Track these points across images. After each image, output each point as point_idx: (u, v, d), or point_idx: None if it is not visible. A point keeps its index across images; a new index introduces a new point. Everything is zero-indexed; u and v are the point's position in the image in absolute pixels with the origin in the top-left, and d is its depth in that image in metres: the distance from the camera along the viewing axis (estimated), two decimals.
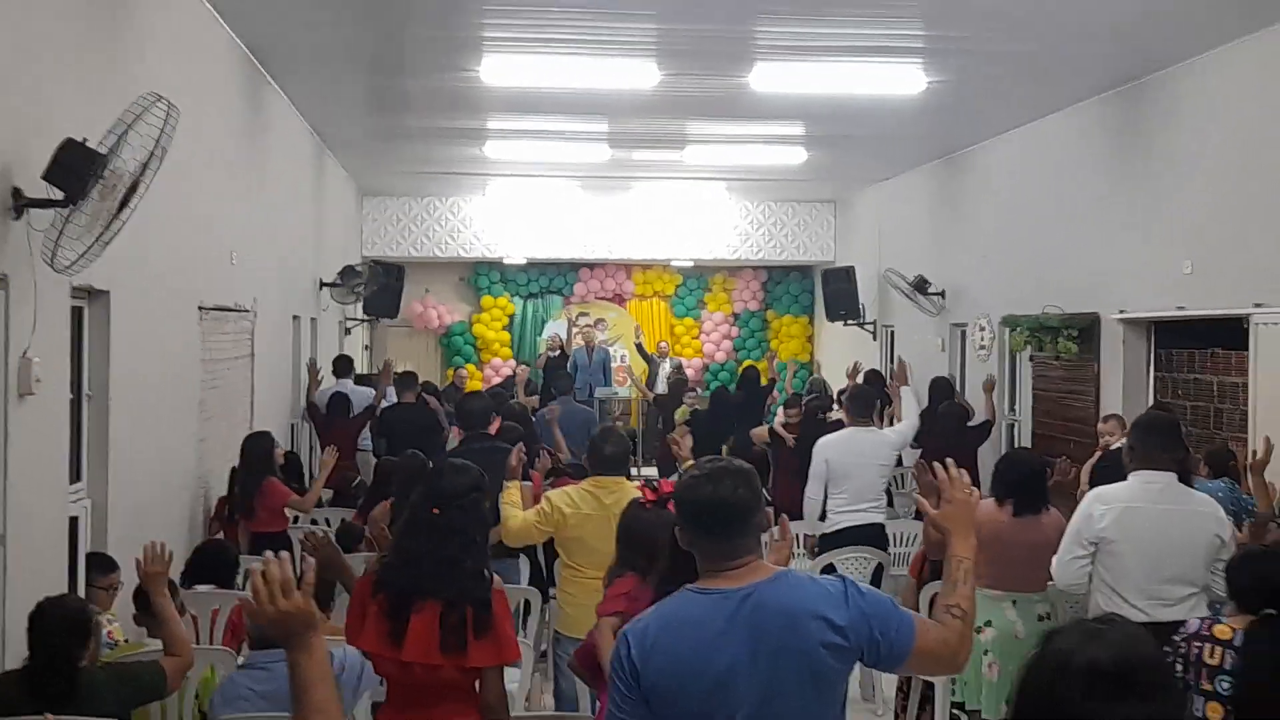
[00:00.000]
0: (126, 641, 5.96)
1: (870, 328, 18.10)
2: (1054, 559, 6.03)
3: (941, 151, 15.21)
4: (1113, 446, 8.80)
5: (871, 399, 9.76)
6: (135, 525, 6.92)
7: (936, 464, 3.76)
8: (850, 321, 18.04)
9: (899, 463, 11.65)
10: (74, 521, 6.34)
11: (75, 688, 4.64)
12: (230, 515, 8.91)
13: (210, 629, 6.58)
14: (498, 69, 10.54)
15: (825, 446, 8.92)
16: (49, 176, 5.24)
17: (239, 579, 7.13)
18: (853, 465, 8.76)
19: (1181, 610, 5.65)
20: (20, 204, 5.24)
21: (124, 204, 5.46)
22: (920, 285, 15.30)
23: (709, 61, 10.50)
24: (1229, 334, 9.25)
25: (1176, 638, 4.94)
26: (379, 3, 8.68)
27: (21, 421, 5.39)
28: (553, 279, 22.12)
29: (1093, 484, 7.33)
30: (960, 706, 6.54)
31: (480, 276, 21.98)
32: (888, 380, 13.43)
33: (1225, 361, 9.54)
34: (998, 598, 6.39)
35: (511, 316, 22.06)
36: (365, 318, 18.20)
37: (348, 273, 15.31)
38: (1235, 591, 5.06)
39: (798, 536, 8.89)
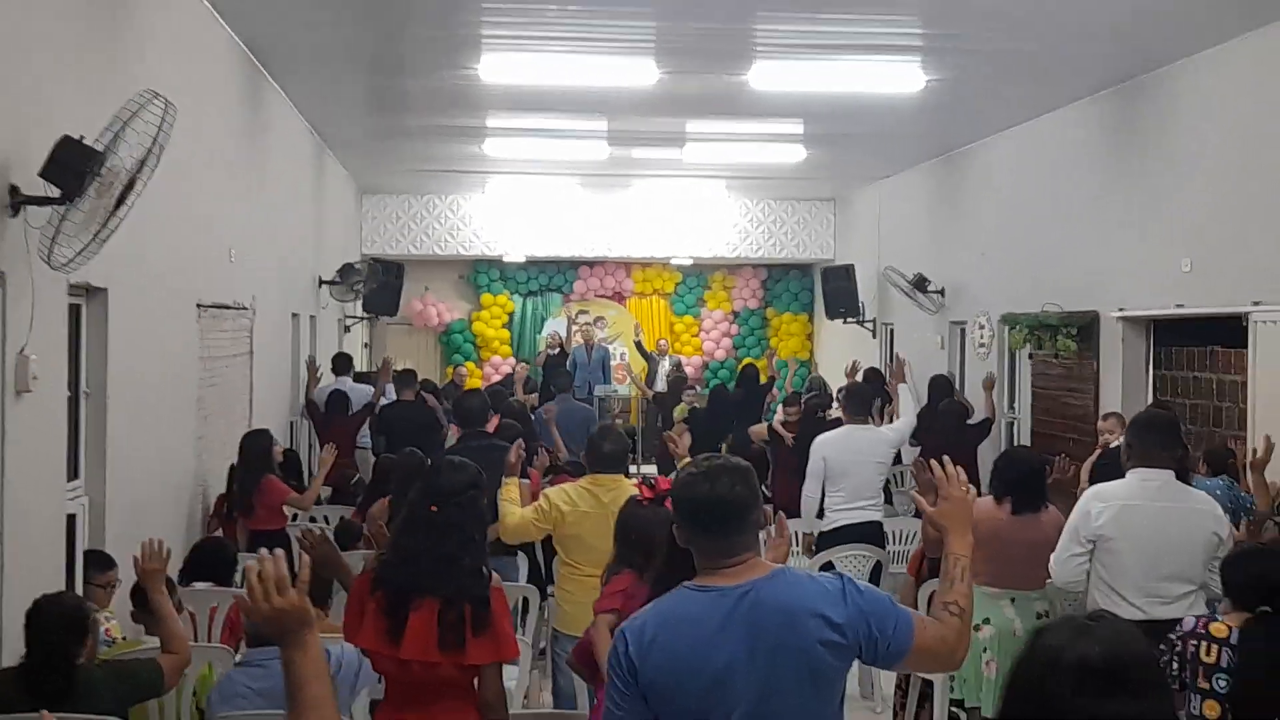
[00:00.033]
0: (124, 639, 5.95)
1: (870, 326, 18.10)
2: (1052, 557, 6.03)
3: (941, 149, 15.21)
4: (1112, 445, 8.79)
5: (868, 397, 9.77)
6: (133, 523, 6.92)
7: (933, 461, 3.76)
8: (850, 319, 18.03)
9: (898, 460, 11.66)
10: (72, 519, 6.34)
11: (72, 685, 4.64)
12: (229, 513, 8.91)
13: (208, 626, 6.58)
14: (497, 67, 10.54)
15: (823, 444, 8.92)
16: (46, 174, 5.24)
17: (237, 577, 7.12)
18: (850, 463, 8.77)
19: (1180, 608, 5.65)
20: (17, 201, 5.24)
21: (121, 201, 5.45)
22: (920, 283, 15.30)
23: (708, 59, 10.49)
24: (1228, 332, 9.25)
25: (1172, 636, 4.94)
26: (378, 1, 8.67)
27: (19, 419, 5.38)
28: (552, 277, 22.11)
29: (1092, 482, 7.33)
30: (959, 704, 6.55)
31: (480, 274, 21.97)
32: (887, 378, 13.42)
33: (1224, 360, 9.54)
34: (996, 595, 6.39)
35: (511, 314, 22.06)
36: (365, 315, 18.20)
37: (347, 270, 15.31)
38: (1231, 589, 5.06)
39: (795, 535, 8.89)
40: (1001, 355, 13.50)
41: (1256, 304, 8.67)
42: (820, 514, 8.90)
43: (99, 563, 6.31)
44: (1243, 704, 4.68)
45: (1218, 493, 7.02)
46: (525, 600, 7.41)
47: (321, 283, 14.85)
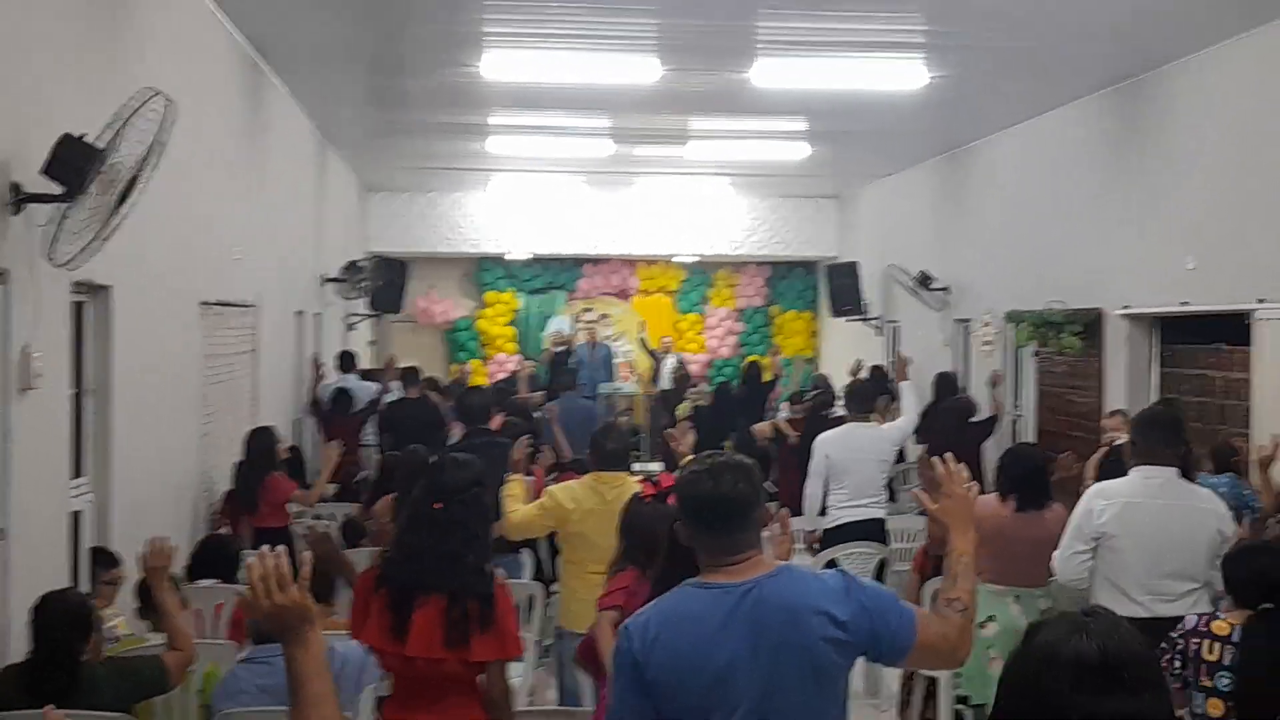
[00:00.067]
0: (130, 636, 5.96)
1: (874, 323, 18.09)
2: (1055, 554, 6.03)
3: (944, 147, 15.20)
4: (1117, 442, 8.79)
5: (870, 394, 9.78)
6: (138, 520, 6.93)
7: (935, 459, 3.76)
8: (854, 317, 18.03)
9: (903, 458, 11.66)
10: (76, 516, 6.36)
11: (77, 682, 4.65)
12: (235, 510, 8.93)
13: (213, 623, 6.58)
14: (498, 64, 10.54)
15: (825, 442, 8.92)
16: (48, 171, 5.24)
17: (241, 573, 7.12)
18: (852, 461, 8.77)
19: (1183, 605, 5.64)
20: (19, 199, 5.25)
21: (123, 199, 5.46)
22: (924, 280, 15.29)
23: (711, 56, 10.49)
24: (1233, 329, 9.23)
25: (1174, 634, 4.93)
26: None
27: (22, 416, 5.39)
28: (557, 274, 22.10)
29: (1098, 479, 7.32)
30: (964, 701, 6.54)
31: (484, 272, 21.97)
32: (890, 376, 13.42)
33: (1229, 357, 9.52)
34: (1001, 593, 6.38)
35: (516, 312, 22.06)
36: (370, 313, 18.21)
37: (351, 268, 15.32)
38: (1233, 586, 5.05)
39: (797, 532, 8.89)
40: (1006, 353, 13.49)
41: (1261, 301, 8.66)
42: (823, 511, 8.90)
43: (104, 560, 6.33)
44: (1245, 701, 4.67)
45: (1222, 490, 7.00)
46: (530, 597, 7.42)
47: (325, 280, 14.86)
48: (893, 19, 9.14)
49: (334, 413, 12.52)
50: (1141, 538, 5.82)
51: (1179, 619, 5.13)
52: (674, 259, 21.75)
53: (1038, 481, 6.56)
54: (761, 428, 12.42)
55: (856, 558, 8.53)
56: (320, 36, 10.03)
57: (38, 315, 5.46)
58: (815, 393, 13.68)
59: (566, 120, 13.50)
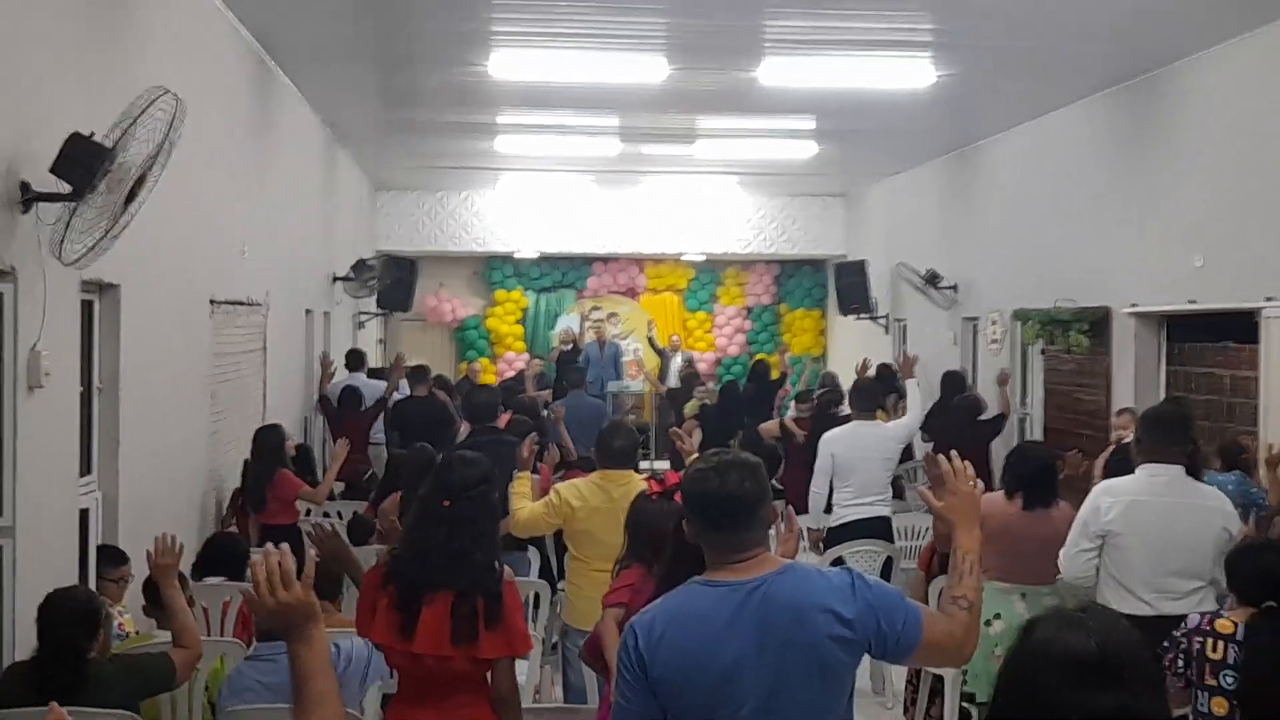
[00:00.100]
0: (137, 633, 5.98)
1: (882, 322, 18.08)
2: (1061, 552, 6.02)
3: (952, 145, 15.18)
4: (1125, 440, 8.77)
5: (875, 392, 9.77)
6: (146, 518, 6.95)
7: (941, 456, 3.76)
8: (862, 315, 18.01)
9: (910, 456, 11.65)
10: (85, 514, 6.37)
11: (84, 679, 4.67)
12: (243, 507, 8.95)
13: (220, 621, 6.60)
14: (506, 64, 10.55)
15: (830, 440, 8.93)
16: (56, 170, 5.25)
17: (249, 571, 7.13)
18: (858, 459, 8.77)
19: (1189, 604, 5.64)
20: (28, 198, 5.26)
21: (131, 197, 5.47)
22: (932, 279, 15.28)
23: (718, 56, 10.49)
24: (1241, 328, 9.22)
25: (1177, 633, 4.92)
26: None
27: (31, 414, 5.41)
28: (565, 273, 22.11)
29: (1106, 478, 7.31)
30: (970, 698, 6.54)
31: (493, 270, 21.99)
32: (898, 374, 13.40)
33: (1237, 355, 9.51)
34: (1007, 590, 6.39)
35: (525, 310, 22.07)
36: (379, 311, 18.23)
37: (360, 267, 15.34)
38: (1237, 584, 5.04)
39: (802, 530, 8.88)
40: (1014, 351, 13.48)
41: (1269, 299, 8.65)
42: (828, 509, 8.91)
43: (112, 558, 6.34)
44: (1250, 699, 4.66)
45: (1229, 488, 7.00)
46: (536, 595, 7.43)
47: (335, 279, 14.88)
48: (899, 17, 9.13)
49: (342, 411, 12.54)
50: (1147, 536, 5.81)
51: (1184, 617, 5.13)
52: (682, 257, 21.75)
53: (1045, 479, 6.55)
54: (768, 426, 12.42)
55: (863, 556, 8.53)
56: (328, 35, 10.04)
57: (46, 314, 5.47)
58: (823, 391, 13.67)
59: (575, 119, 13.50)
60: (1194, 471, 6.07)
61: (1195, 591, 5.77)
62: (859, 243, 20.01)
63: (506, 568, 4.60)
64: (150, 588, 5.74)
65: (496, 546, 4.59)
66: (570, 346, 18.82)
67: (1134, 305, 10.70)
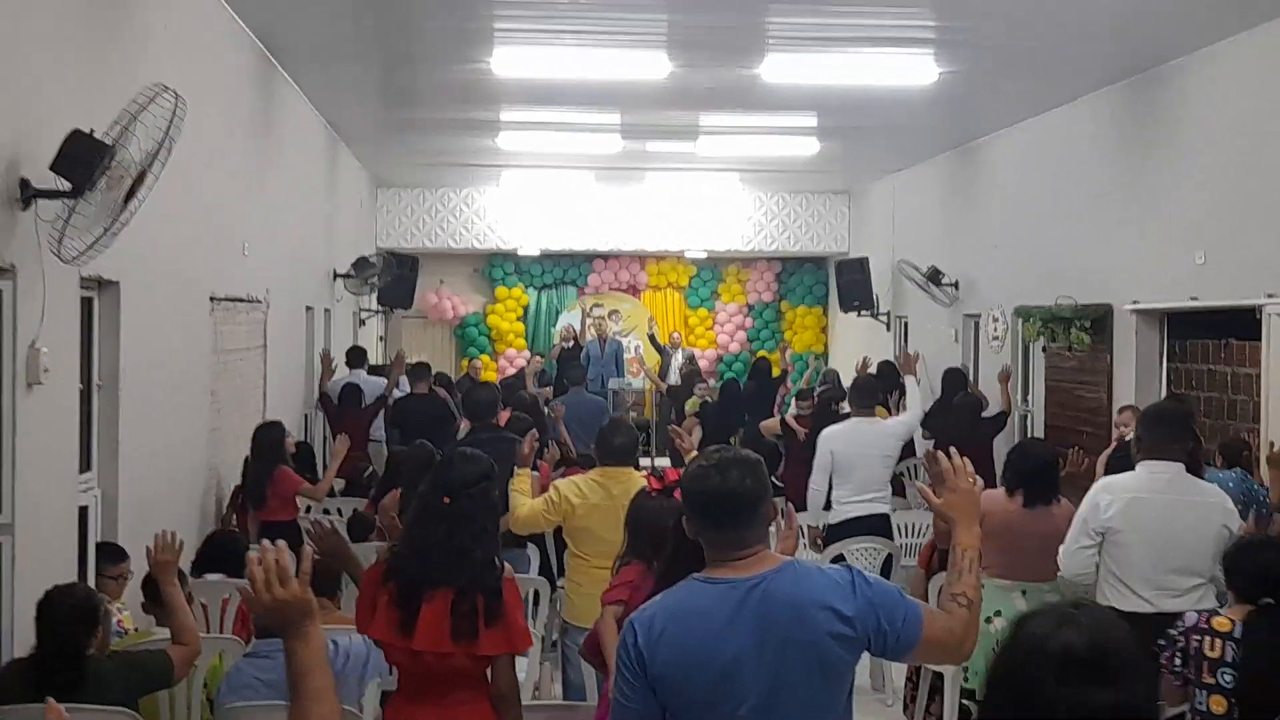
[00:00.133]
0: (136, 630, 5.98)
1: (884, 319, 18.07)
2: (1060, 549, 6.02)
3: (954, 142, 15.17)
4: (1127, 438, 8.77)
5: (874, 389, 9.77)
6: (145, 515, 6.95)
7: (940, 453, 3.75)
8: (864, 313, 18.00)
9: (912, 453, 11.64)
10: (84, 511, 6.37)
11: (83, 676, 4.67)
12: (243, 504, 8.95)
13: (220, 618, 6.60)
14: (509, 61, 10.55)
15: (830, 438, 8.92)
16: (56, 167, 5.25)
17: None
18: (857, 456, 8.77)
19: (1188, 601, 5.64)
20: (28, 195, 5.26)
21: (131, 195, 5.46)
22: (934, 276, 15.27)
23: (720, 52, 10.49)
24: (1243, 324, 9.21)
25: (1173, 631, 4.91)
26: None
27: (30, 411, 5.40)
28: (567, 270, 22.10)
29: (1108, 475, 7.31)
30: (970, 695, 6.53)
31: (494, 268, 21.98)
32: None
33: (1239, 352, 9.50)
34: (1008, 588, 6.38)
35: (526, 307, 22.06)
36: (380, 309, 18.22)
37: (362, 264, 15.34)
38: (1237, 581, 5.02)
39: (801, 528, 8.88)
40: (1015, 348, 13.47)
41: (1270, 296, 8.63)
42: (828, 506, 8.90)
43: (111, 555, 6.34)
44: (1248, 697, 4.65)
45: (1230, 485, 7.01)
46: (536, 592, 7.43)
47: (336, 276, 14.88)
48: (902, 14, 9.13)
49: (343, 408, 12.54)
50: (1147, 533, 5.81)
51: (1181, 615, 5.12)
52: (684, 254, 21.74)
53: (1046, 477, 6.55)
54: (770, 424, 12.41)
55: (863, 553, 8.53)
56: (331, 32, 10.04)
57: (46, 311, 5.47)
58: (825, 387, 13.66)
59: (577, 116, 13.50)
60: (1194, 469, 6.07)
61: (1195, 589, 5.76)
62: (861, 240, 20.00)
63: (507, 565, 4.60)
64: (149, 585, 5.74)
65: (497, 544, 4.59)
66: (571, 343, 18.81)
67: (1135, 302, 10.69)
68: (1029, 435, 12.88)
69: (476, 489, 4.54)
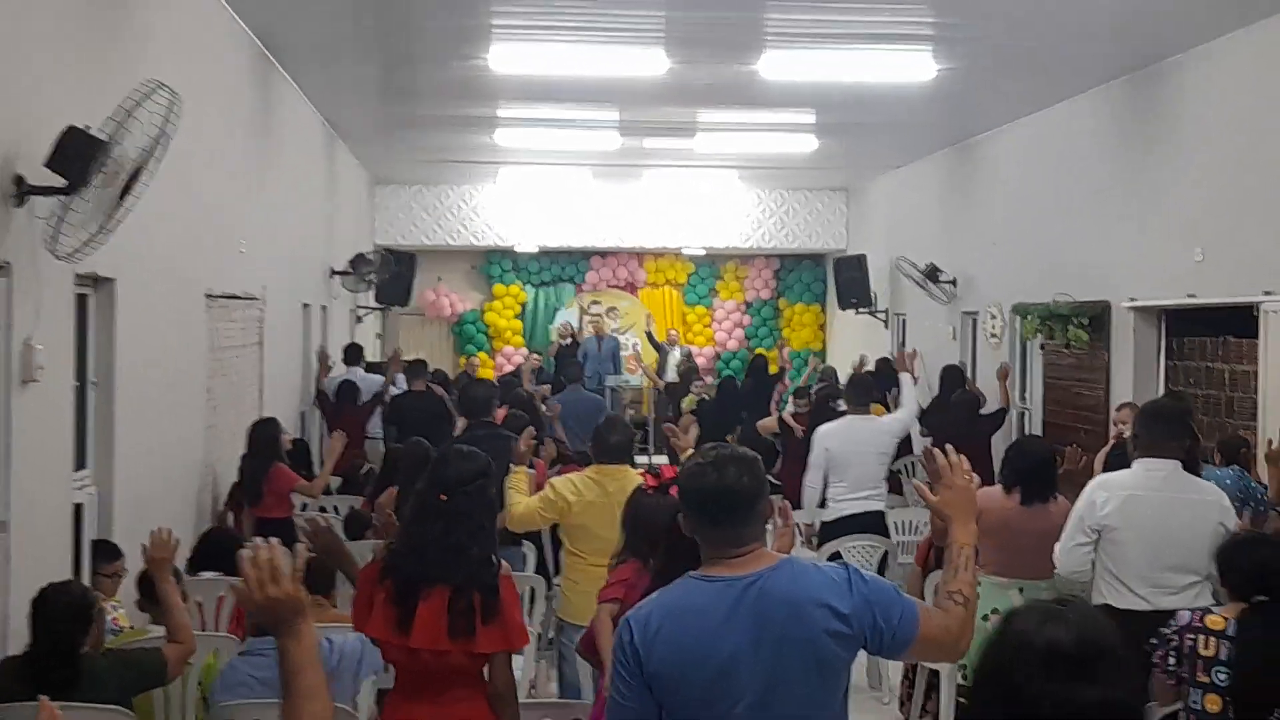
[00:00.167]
0: (131, 628, 5.96)
1: (882, 316, 18.06)
2: (1057, 546, 6.01)
3: (952, 139, 15.16)
4: (1126, 435, 8.76)
5: (870, 387, 9.77)
6: (141, 513, 6.94)
7: (937, 450, 3.75)
8: (862, 310, 17.99)
9: (908, 450, 11.63)
10: (79, 509, 6.36)
11: (77, 674, 4.66)
12: (239, 501, 8.94)
13: (215, 616, 6.59)
14: (506, 57, 10.54)
15: (825, 435, 8.92)
16: (51, 164, 5.24)
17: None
18: (852, 454, 8.77)
19: (1185, 599, 5.62)
20: (23, 191, 5.24)
21: (127, 191, 5.45)
22: (932, 273, 15.26)
23: (718, 49, 10.47)
24: (1241, 322, 9.20)
25: (1166, 630, 4.87)
26: None
27: (24, 409, 5.40)
28: (564, 267, 22.09)
29: (1107, 472, 7.30)
30: (967, 692, 6.52)
31: (492, 265, 21.97)
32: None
33: (1237, 350, 9.49)
34: (1004, 585, 6.37)
35: (524, 305, 22.05)
36: (377, 306, 18.22)
37: (359, 261, 15.33)
38: (1231, 577, 4.98)
39: (797, 525, 8.88)
40: (1013, 346, 13.46)
41: (1268, 294, 8.63)
42: (823, 504, 8.90)
43: (106, 552, 6.33)
44: (1242, 695, 4.63)
45: (1228, 482, 6.99)
46: (531, 590, 7.42)
47: (333, 273, 14.86)
48: (899, 11, 9.12)
49: (339, 405, 12.54)
50: (1143, 530, 5.80)
51: (1175, 613, 5.10)
52: (682, 252, 21.73)
53: (1044, 474, 6.53)
54: (768, 423, 12.40)
55: (859, 550, 8.52)
56: (328, 29, 10.03)
57: (40, 308, 5.46)
58: (822, 385, 13.66)
59: (574, 113, 13.49)
60: (1192, 466, 6.06)
61: (1191, 586, 5.75)
62: (860, 237, 19.99)
63: (504, 562, 4.59)
64: (144, 582, 5.73)
65: (493, 541, 4.58)
66: (569, 341, 18.79)
67: (1133, 300, 10.68)
68: (1027, 433, 12.88)
69: (473, 486, 4.53)
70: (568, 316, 21.29)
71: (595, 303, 21.91)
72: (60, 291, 5.87)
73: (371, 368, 14.57)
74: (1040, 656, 2.27)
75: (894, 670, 8.00)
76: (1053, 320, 11.78)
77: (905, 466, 12.06)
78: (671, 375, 17.93)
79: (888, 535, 8.98)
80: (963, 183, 15.30)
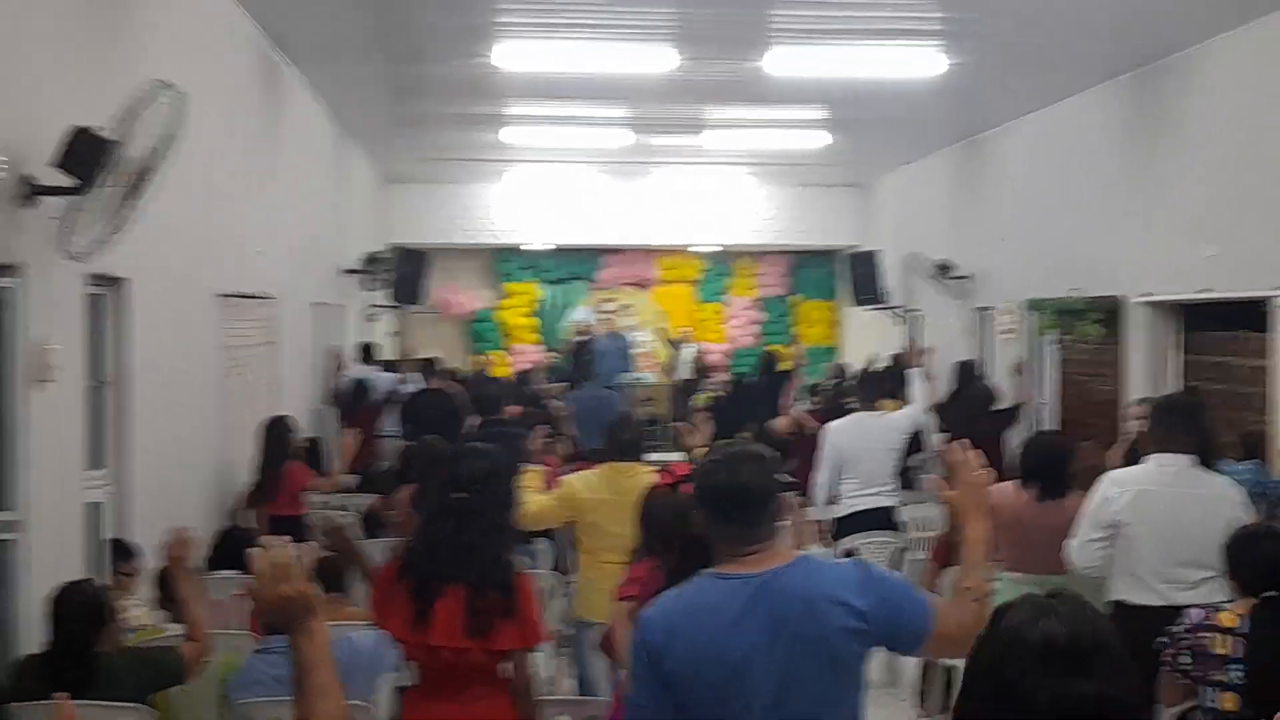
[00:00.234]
0: (148, 627, 5.98)
1: (895, 312, 18.02)
2: (1070, 542, 5.99)
3: (964, 134, 15.14)
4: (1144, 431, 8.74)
5: (881, 382, 9.77)
6: (157, 512, 6.95)
7: (954, 445, 3.74)
8: (875, 306, 17.96)
9: (920, 446, 11.60)
10: (96, 508, 6.38)
11: (94, 673, 4.67)
12: (253, 498, 8.96)
13: (234, 614, 6.59)
14: (514, 55, 10.53)
15: (835, 431, 8.92)
16: (60, 164, 5.25)
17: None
18: (863, 450, 8.76)
19: (1200, 594, 5.58)
20: (32, 192, 5.25)
21: (135, 190, 5.46)
22: (944, 269, 15.23)
23: (726, 46, 10.47)
24: (1255, 316, 9.17)
25: (1176, 629, 4.79)
26: None
27: (38, 409, 5.41)
28: (577, 265, 22.05)
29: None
30: None
31: (504, 262, 21.95)
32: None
33: (1251, 344, 9.45)
34: (1019, 581, 6.34)
35: (540, 302, 22.02)
36: (390, 305, 18.22)
37: (371, 260, 15.34)
38: (1242, 572, 4.91)
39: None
40: (1028, 341, 13.43)
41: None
42: (835, 500, 8.89)
43: (123, 551, 6.36)
44: (1254, 691, 4.59)
45: (1245, 476, 6.96)
46: (547, 587, 7.42)
47: (345, 272, 14.87)
48: (907, 6, 9.11)
49: (353, 404, 12.56)
50: (1156, 525, 5.78)
51: (1185, 610, 5.05)
52: (694, 249, 21.69)
53: (1058, 470, 6.51)
54: (782, 424, 12.39)
55: (874, 547, 8.51)
56: (336, 28, 10.04)
57: (53, 308, 5.48)
58: (835, 382, 13.64)
59: (583, 110, 13.49)
60: (1207, 461, 6.03)
61: (1205, 581, 5.70)
62: (872, 233, 19.93)
63: (521, 559, 4.60)
64: (162, 580, 5.75)
65: (510, 538, 4.60)
66: (584, 338, 18.79)
67: (1147, 294, 10.65)
68: (1042, 428, 12.83)
69: (484, 484, 4.54)
70: (581, 314, 21.26)
71: (609, 300, 21.89)
72: (72, 292, 5.88)
73: (385, 366, 14.58)
74: (1035, 652, 2.25)
75: (910, 667, 7.98)
76: (1066, 315, 11.75)
77: (921, 462, 12.03)
78: (684, 372, 17.92)
79: (898, 531, 8.97)
80: (974, 178, 15.27)
